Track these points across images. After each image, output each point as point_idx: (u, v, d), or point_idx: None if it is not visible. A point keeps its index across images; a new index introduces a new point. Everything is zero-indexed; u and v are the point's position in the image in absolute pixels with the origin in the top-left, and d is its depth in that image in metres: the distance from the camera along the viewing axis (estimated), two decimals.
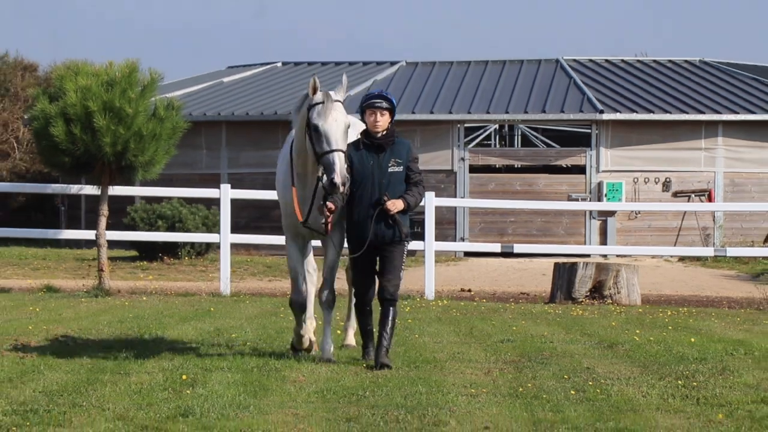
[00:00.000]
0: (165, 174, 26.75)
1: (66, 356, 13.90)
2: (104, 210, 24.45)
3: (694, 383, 12.53)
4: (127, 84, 23.59)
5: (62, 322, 17.56)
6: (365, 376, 12.61)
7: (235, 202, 25.34)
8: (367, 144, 13.21)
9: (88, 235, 26.60)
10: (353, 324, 14.64)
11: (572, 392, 11.86)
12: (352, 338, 14.91)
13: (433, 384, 12.21)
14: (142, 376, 12.54)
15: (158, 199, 33.70)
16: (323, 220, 13.00)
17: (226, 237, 24.74)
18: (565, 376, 12.88)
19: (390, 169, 13.14)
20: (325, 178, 12.66)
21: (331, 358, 13.44)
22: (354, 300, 13.90)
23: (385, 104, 13.23)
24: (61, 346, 14.86)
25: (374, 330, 13.57)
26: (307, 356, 13.95)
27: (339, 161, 12.60)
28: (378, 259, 13.35)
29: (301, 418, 10.45)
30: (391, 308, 13.27)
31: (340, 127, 12.80)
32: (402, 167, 13.20)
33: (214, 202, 27.33)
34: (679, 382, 12.62)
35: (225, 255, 24.63)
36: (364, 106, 13.29)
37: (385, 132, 13.21)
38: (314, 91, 13.01)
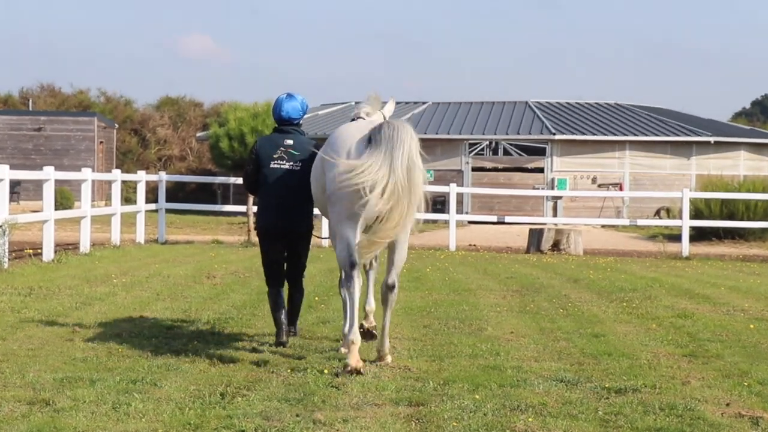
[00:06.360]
0: None
1: (240, 284, 13.92)
2: None
3: (633, 305, 12.49)
4: (266, 115, 23.69)
5: (231, 262, 17.59)
6: (429, 299, 12.55)
7: None
8: None
9: (239, 209, 26.60)
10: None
11: (560, 310, 11.82)
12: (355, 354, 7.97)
13: (471, 304, 12.19)
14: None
15: None
16: None
17: None
18: (553, 300, 12.83)
19: None
20: None
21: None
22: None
23: None
24: (235, 277, 14.89)
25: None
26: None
27: None
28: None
29: (396, 325, 10.41)
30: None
31: None
32: None
33: None
34: (624, 304, 12.58)
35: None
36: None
37: None
38: None
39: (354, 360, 7.84)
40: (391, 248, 8.21)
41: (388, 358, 8.30)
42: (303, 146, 9.08)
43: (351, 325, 8.00)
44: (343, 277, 8.18)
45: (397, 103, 46.84)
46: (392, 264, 8.23)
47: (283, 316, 9.03)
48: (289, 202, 8.98)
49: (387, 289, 8.24)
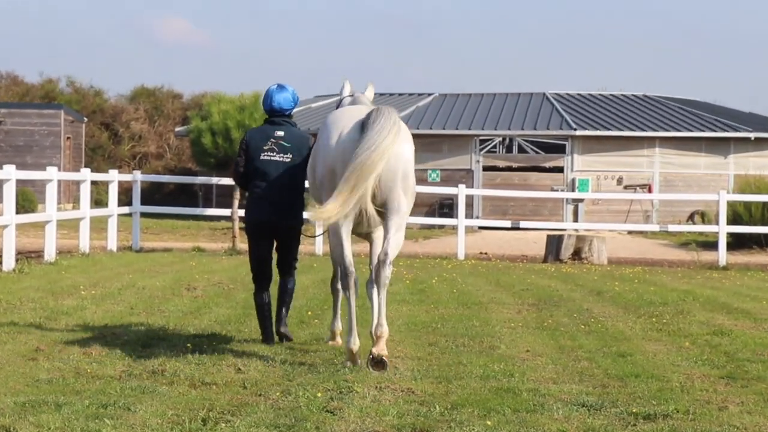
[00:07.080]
0: None
1: (224, 297, 13.95)
2: (237, 195, 24.53)
3: (663, 320, 12.45)
4: (253, 108, 23.73)
5: (214, 272, 17.61)
6: (435, 314, 12.56)
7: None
8: None
9: (222, 212, 26.62)
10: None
11: (582, 326, 11.81)
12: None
13: (482, 319, 12.17)
14: None
15: None
16: None
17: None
18: (574, 315, 12.81)
19: None
20: None
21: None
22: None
23: None
24: (218, 289, 14.91)
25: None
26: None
27: None
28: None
29: (398, 342, 10.41)
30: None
31: None
32: None
33: None
34: (653, 319, 12.54)
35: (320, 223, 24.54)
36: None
37: None
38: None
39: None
40: (386, 216, 8.76)
41: (384, 350, 8.70)
42: (294, 138, 9.76)
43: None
44: (340, 278, 9.01)
45: (400, 94, 47.09)
46: (388, 232, 8.71)
47: (268, 321, 9.88)
48: (279, 195, 9.65)
49: (379, 263, 8.68)
